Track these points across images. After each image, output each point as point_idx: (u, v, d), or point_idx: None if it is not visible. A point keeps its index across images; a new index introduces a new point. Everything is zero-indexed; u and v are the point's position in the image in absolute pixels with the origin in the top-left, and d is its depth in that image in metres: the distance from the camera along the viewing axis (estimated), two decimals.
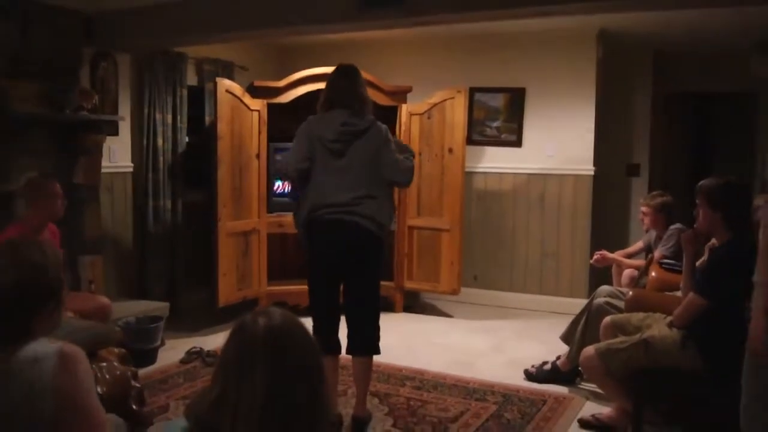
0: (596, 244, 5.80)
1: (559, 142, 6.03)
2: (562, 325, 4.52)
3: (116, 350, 3.63)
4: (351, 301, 3.51)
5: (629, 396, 3.27)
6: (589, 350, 3.38)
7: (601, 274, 5.76)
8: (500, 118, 6.24)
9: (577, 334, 4.15)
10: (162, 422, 3.51)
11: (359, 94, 3.49)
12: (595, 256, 4.95)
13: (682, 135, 8.42)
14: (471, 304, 6.24)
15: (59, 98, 4.59)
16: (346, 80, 3.51)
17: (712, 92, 7.86)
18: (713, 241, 3.42)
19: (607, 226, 6.41)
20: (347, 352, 3.48)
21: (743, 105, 7.64)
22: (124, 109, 5.29)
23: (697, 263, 3.35)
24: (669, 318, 3.32)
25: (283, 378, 1.41)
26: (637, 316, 3.57)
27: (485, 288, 6.36)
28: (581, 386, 4.21)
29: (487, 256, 6.36)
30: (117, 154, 5.30)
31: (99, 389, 3.29)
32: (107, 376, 3.38)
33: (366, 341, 3.47)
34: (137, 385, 3.62)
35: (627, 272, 4.79)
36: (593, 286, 5.91)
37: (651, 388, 3.19)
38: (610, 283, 4.77)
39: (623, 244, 6.27)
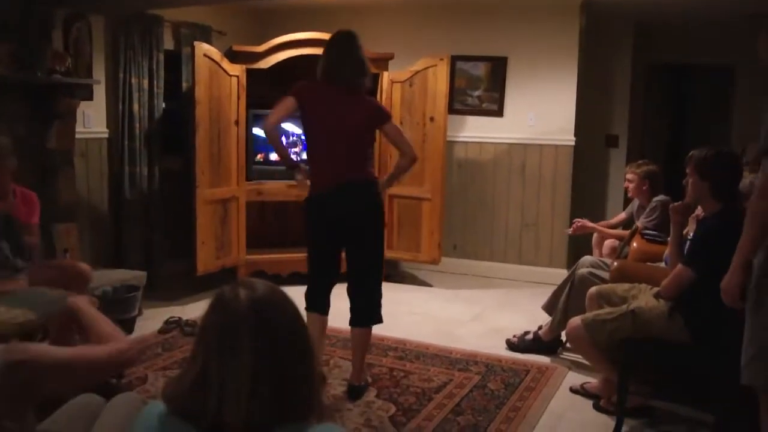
0: (575, 214, 5.80)
1: (540, 112, 6.00)
2: (542, 294, 4.52)
3: None
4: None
5: (615, 366, 3.27)
6: (576, 321, 3.37)
7: (580, 245, 5.77)
8: (481, 87, 6.18)
9: (560, 304, 4.14)
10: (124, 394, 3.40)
11: (357, 64, 3.45)
12: (573, 225, 4.94)
13: (660, 107, 8.44)
14: (450, 273, 6.24)
15: (31, 60, 4.44)
16: (341, 49, 3.47)
17: (691, 64, 7.88)
18: (697, 212, 3.43)
19: (586, 196, 6.42)
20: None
21: (720, 78, 7.66)
22: (99, 73, 5.13)
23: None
24: (655, 289, 3.32)
25: (270, 354, 1.31)
26: (622, 287, 3.57)
27: (465, 257, 6.36)
28: (563, 356, 4.23)
29: (467, 226, 6.34)
30: (92, 119, 5.16)
31: None
32: None
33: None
34: None
35: (608, 242, 4.80)
36: (572, 256, 5.94)
37: (637, 359, 3.19)
38: (589, 254, 4.77)
39: (601, 215, 6.30)
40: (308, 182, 3.54)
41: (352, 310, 3.59)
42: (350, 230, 3.52)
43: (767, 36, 2.56)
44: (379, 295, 3.64)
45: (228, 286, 1.38)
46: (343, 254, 3.62)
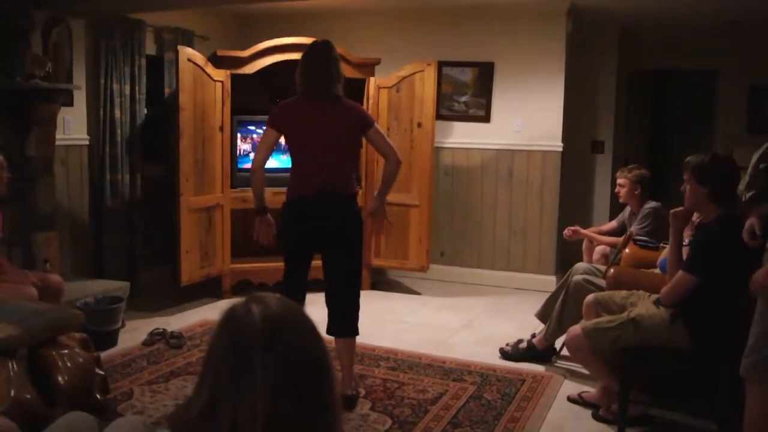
0: (563, 220, 5.77)
1: (527, 117, 5.95)
2: (531, 301, 4.46)
3: (77, 335, 3.43)
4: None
5: (615, 375, 3.22)
6: (576, 329, 3.31)
7: (569, 251, 5.73)
8: (468, 92, 6.12)
9: (555, 311, 4.08)
10: (125, 418, 3.27)
11: (329, 77, 3.41)
12: (566, 232, 4.88)
13: (643, 112, 8.45)
14: (438, 280, 6.16)
15: (9, 65, 4.31)
16: (313, 63, 3.43)
17: (674, 70, 7.91)
18: (694, 217, 3.38)
19: (572, 202, 6.38)
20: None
21: (703, 83, 7.69)
22: (79, 79, 5.01)
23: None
24: (654, 296, 3.27)
25: (289, 377, 1.18)
26: (619, 294, 3.51)
27: (452, 265, 6.28)
28: (557, 364, 4.17)
29: (455, 233, 6.27)
30: (72, 125, 5.02)
31: (60, 379, 3.10)
32: (69, 365, 3.19)
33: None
34: (101, 372, 3.43)
35: (599, 249, 4.75)
36: (561, 262, 5.91)
37: (639, 367, 3.14)
38: (578, 260, 4.72)
39: (588, 220, 6.27)
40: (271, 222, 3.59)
41: (331, 320, 3.51)
42: (327, 241, 3.49)
43: None
44: (358, 307, 3.57)
45: (239, 301, 1.26)
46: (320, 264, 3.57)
